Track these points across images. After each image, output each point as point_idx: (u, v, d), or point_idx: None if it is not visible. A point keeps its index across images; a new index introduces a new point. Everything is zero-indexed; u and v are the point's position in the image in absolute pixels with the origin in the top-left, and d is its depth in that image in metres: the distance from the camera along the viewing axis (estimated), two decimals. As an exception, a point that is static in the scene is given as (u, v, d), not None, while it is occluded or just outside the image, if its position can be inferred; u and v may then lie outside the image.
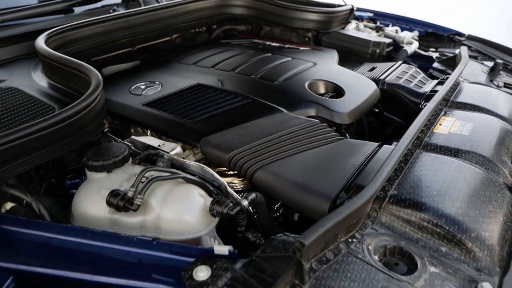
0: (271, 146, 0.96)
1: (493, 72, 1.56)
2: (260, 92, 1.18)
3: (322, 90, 1.25)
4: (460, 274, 0.69)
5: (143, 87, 1.24)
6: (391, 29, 1.93)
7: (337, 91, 1.25)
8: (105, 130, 1.06)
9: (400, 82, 1.39)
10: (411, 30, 1.98)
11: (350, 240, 0.74)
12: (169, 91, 1.20)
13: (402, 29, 2.07)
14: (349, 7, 1.93)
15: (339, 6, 1.94)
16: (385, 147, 0.99)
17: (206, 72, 1.35)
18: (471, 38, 1.93)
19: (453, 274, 0.69)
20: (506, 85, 1.48)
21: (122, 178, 0.83)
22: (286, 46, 1.68)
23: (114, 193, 0.77)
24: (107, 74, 1.47)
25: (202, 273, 0.65)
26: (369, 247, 0.74)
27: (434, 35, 2.02)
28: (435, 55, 1.76)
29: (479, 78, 1.51)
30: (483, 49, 1.84)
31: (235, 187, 1.01)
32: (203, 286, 0.63)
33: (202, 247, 0.70)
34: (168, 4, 1.58)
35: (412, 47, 1.75)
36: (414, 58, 1.79)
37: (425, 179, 0.85)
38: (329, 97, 1.21)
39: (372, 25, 2.00)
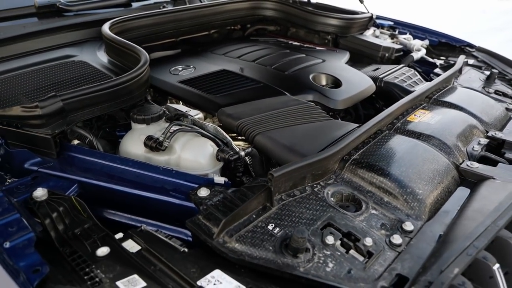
0: (271, 119, 1.24)
1: (488, 80, 1.74)
2: (272, 79, 1.46)
3: (323, 81, 1.51)
4: (392, 217, 0.94)
5: (180, 69, 1.55)
6: (404, 37, 2.14)
7: (336, 83, 1.50)
8: (148, 98, 1.38)
9: (396, 81, 1.62)
10: (422, 39, 2.17)
11: (315, 185, 1.00)
12: (200, 73, 1.51)
13: (417, 38, 2.27)
14: (368, 15, 2.15)
15: (361, 13, 2.17)
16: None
17: (232, 61, 1.64)
18: (480, 49, 2.10)
19: (387, 216, 0.94)
20: (496, 92, 1.66)
21: (156, 129, 1.13)
22: (305, 45, 1.94)
23: (149, 137, 1.07)
24: (154, 58, 1.81)
25: (203, 192, 0.94)
26: (329, 192, 0.99)
27: (447, 45, 2.20)
28: (439, 62, 1.96)
29: (473, 84, 1.70)
30: (489, 60, 2.01)
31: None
32: (203, 199, 0.92)
33: (206, 177, 0.99)
34: (208, 4, 1.89)
35: (419, 54, 1.96)
36: (421, 64, 1.99)
37: (384, 150, 1.09)
38: (328, 87, 1.47)
39: (387, 32, 2.21)
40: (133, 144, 1.10)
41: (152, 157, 1.09)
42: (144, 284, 0.74)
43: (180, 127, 1.11)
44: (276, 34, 2.20)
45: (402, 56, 1.99)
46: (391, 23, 2.39)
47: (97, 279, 0.75)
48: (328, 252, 0.82)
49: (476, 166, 1.09)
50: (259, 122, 1.21)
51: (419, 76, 1.72)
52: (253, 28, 2.26)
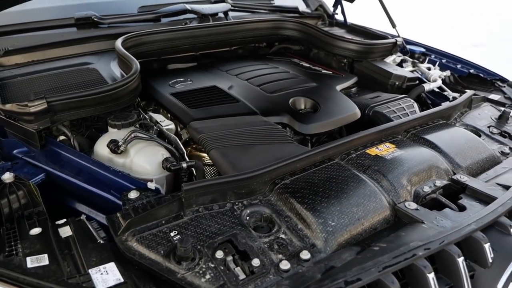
0: (232, 136, 1.32)
1: (500, 120, 1.62)
2: (252, 99, 1.54)
3: (302, 105, 1.55)
4: (298, 244, 0.97)
5: (179, 82, 1.71)
6: (425, 66, 2.05)
7: (315, 108, 1.53)
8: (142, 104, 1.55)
9: (385, 111, 1.59)
10: (452, 69, 2.07)
11: (237, 203, 1.07)
12: (193, 87, 1.65)
13: (448, 67, 2.16)
14: (392, 40, 2.11)
15: (387, 38, 2.13)
16: None
17: (229, 78, 1.76)
18: (511, 85, 1.94)
19: (294, 242, 0.97)
20: (502, 133, 1.54)
21: (125, 134, 1.29)
22: (313, 67, 1.98)
23: (112, 140, 1.23)
24: (171, 68, 2.00)
25: (133, 194, 1.06)
26: (248, 211, 1.05)
27: (478, 77, 2.06)
28: (453, 95, 1.85)
29: (479, 122, 1.60)
30: None
31: (206, 161, 1.41)
32: (129, 201, 1.04)
33: (143, 182, 1.12)
34: (226, 23, 2.03)
35: (432, 85, 1.88)
36: (435, 96, 1.91)
37: (317, 179, 1.11)
38: (304, 111, 1.51)
39: (410, 59, 2.14)
40: (102, 145, 1.27)
41: (113, 158, 1.25)
42: (47, 262, 0.89)
43: (139, 134, 1.25)
44: (294, 54, 2.26)
45: (417, 85, 1.93)
46: (423, 49, 2.30)
47: (14, 252, 0.91)
48: (212, 265, 0.89)
49: (413, 208, 1.06)
50: (219, 138, 1.31)
51: (415, 109, 1.66)
52: (277, 47, 2.35)
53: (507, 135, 1.53)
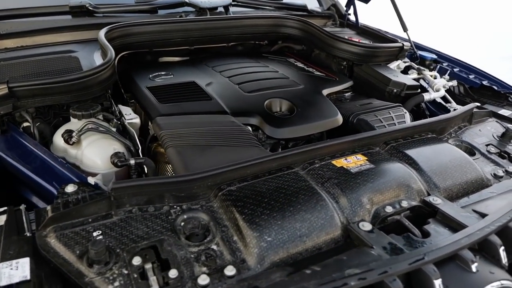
0: (195, 135, 1.25)
1: (503, 138, 1.46)
2: (228, 97, 1.47)
3: (277, 107, 1.45)
4: (228, 258, 0.89)
5: (160, 76, 1.66)
6: (431, 73, 1.90)
7: (292, 111, 1.43)
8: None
9: (370, 119, 1.47)
10: (464, 79, 1.91)
11: (175, 206, 1.00)
12: (172, 82, 1.59)
13: (460, 77, 2.00)
14: (398, 45, 1.97)
15: (395, 42, 1.99)
16: None
17: (212, 74, 1.69)
18: (526, 101, 1.76)
19: (224, 255, 0.89)
20: (501, 154, 1.39)
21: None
22: (307, 68, 1.87)
23: (66, 130, 1.20)
24: (161, 61, 1.96)
25: (70, 188, 1.01)
26: (185, 216, 0.98)
27: (491, 90, 1.89)
28: (456, 108, 1.70)
29: (477, 139, 1.45)
30: None
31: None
32: (64, 194, 0.99)
33: (85, 176, 1.07)
34: (220, 17, 1.96)
35: (433, 95, 1.73)
36: (436, 106, 1.75)
37: (266, 188, 1.02)
38: (278, 114, 1.41)
39: (415, 65, 1.99)
40: (59, 135, 1.24)
41: (68, 149, 1.21)
42: None
43: (94, 126, 1.20)
44: (292, 53, 2.16)
45: (417, 94, 1.78)
46: (434, 56, 2.14)
47: None
48: (126, 272, 0.83)
49: (367, 229, 0.96)
50: (179, 136, 1.24)
51: (406, 120, 1.52)
52: (279, 46, 2.26)
53: (506, 156, 1.38)
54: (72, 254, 0.85)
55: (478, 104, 1.58)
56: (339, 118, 1.44)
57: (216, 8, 2.13)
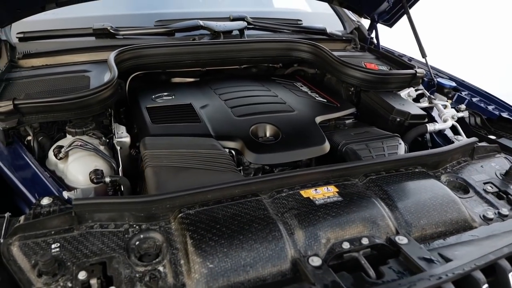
0: (176, 156, 1.30)
1: (506, 177, 1.36)
2: (217, 120, 1.51)
3: (262, 132, 1.46)
4: (170, 279, 0.91)
5: (162, 96, 1.74)
6: (442, 103, 1.81)
7: (277, 137, 1.44)
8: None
9: (359, 149, 1.43)
10: (482, 110, 1.81)
11: (135, 225, 1.04)
12: (171, 103, 1.66)
13: (478, 108, 1.89)
14: (411, 71, 1.91)
15: (411, 69, 1.93)
16: None
17: (211, 97, 1.74)
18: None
19: (167, 279, 0.92)
20: (499, 194, 1.29)
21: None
22: (310, 93, 1.87)
23: (57, 146, 1.30)
24: (174, 81, 2.05)
25: (45, 201, 1.08)
26: (141, 236, 1.02)
27: (511, 122, 1.76)
28: (460, 140, 1.60)
29: (475, 176, 1.37)
30: None
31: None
32: (38, 206, 1.07)
33: (62, 190, 1.15)
34: (230, 41, 2.02)
35: (437, 126, 1.65)
36: (442, 138, 1.67)
37: (223, 214, 1.03)
38: (262, 140, 1.42)
39: (427, 93, 1.90)
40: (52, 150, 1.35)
41: (58, 164, 1.31)
42: None
43: (81, 143, 1.29)
44: (304, 77, 2.16)
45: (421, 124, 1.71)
46: (454, 84, 2.04)
47: None
48: (70, 285, 0.88)
49: (316, 264, 0.94)
50: (160, 157, 1.30)
51: (398, 151, 1.46)
52: (293, 69, 2.27)
53: (505, 196, 1.28)
54: (28, 263, 0.92)
55: (478, 139, 1.48)
56: (326, 146, 1.42)
57: (231, 31, 2.20)
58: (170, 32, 2.14)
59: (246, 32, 2.26)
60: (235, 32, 2.22)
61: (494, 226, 1.16)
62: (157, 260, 0.95)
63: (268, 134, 1.48)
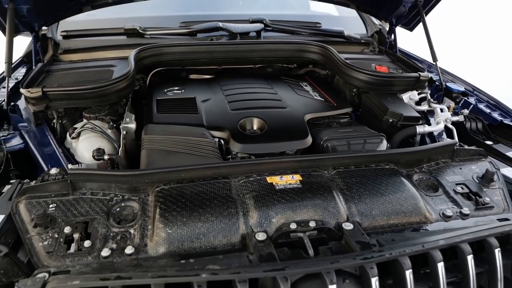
0: (170, 142, 1.48)
1: (482, 180, 1.39)
2: (213, 113, 1.67)
3: (250, 125, 1.60)
4: (137, 240, 1.08)
5: (173, 90, 1.93)
6: (440, 106, 1.82)
7: (263, 130, 1.57)
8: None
9: (339, 145, 1.52)
10: (485, 116, 1.82)
11: (118, 195, 1.23)
12: (179, 96, 1.85)
13: (482, 113, 1.88)
14: (415, 75, 1.95)
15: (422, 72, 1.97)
16: None
17: (216, 92, 1.90)
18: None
19: (135, 237, 1.09)
20: (469, 195, 1.32)
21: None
22: (311, 92, 1.97)
23: (72, 128, 1.53)
24: (191, 78, 2.25)
25: (53, 171, 1.30)
26: (123, 204, 1.20)
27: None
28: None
29: (449, 177, 1.41)
30: None
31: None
32: (46, 174, 1.29)
33: (67, 164, 1.37)
34: (242, 42, 2.17)
35: (427, 128, 1.68)
36: (432, 141, 1.69)
37: (191, 191, 1.19)
38: (249, 132, 1.56)
39: (429, 97, 1.92)
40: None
41: (72, 142, 1.55)
42: None
43: (90, 126, 1.52)
44: (313, 78, 2.26)
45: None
46: (462, 89, 2.04)
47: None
48: (56, 236, 1.08)
49: (260, 239, 1.06)
50: (156, 141, 1.49)
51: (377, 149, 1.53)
52: (305, 70, 2.37)
53: (473, 198, 1.31)
54: (28, 217, 1.14)
55: (458, 142, 1.50)
56: (307, 141, 1.53)
57: (248, 33, 2.35)
58: (192, 33, 2.34)
59: (264, 33, 2.40)
60: (253, 34, 2.37)
61: (451, 223, 1.21)
62: (130, 224, 1.13)
63: (255, 127, 1.61)
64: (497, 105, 1.90)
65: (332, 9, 3.24)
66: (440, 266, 1.01)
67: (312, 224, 1.12)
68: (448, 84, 2.08)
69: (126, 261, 1.01)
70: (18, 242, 1.11)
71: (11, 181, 1.39)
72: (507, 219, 1.19)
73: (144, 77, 2.14)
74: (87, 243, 1.05)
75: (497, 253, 1.07)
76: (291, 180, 1.26)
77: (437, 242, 1.04)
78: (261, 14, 2.54)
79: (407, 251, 1.00)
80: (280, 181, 1.25)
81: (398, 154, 1.39)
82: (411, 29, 2.47)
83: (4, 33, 1.83)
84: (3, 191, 1.33)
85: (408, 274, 0.98)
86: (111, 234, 1.10)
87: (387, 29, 2.56)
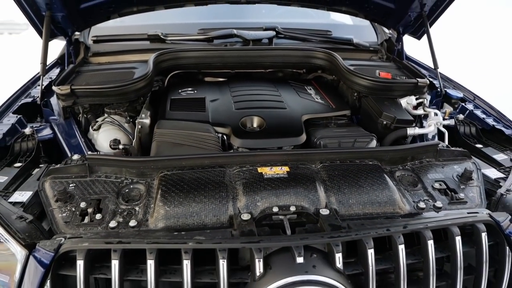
0: (175, 135, 1.66)
1: (461, 178, 1.49)
2: (218, 111, 1.84)
3: (250, 123, 1.76)
4: (140, 216, 1.27)
5: (186, 91, 2.12)
6: (435, 111, 1.91)
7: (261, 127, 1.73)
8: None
9: (330, 143, 1.65)
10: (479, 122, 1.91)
11: (128, 178, 1.41)
12: (191, 96, 2.04)
13: (477, 118, 1.97)
14: (413, 81, 2.05)
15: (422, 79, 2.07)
16: None
17: (225, 93, 2.08)
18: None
19: (139, 214, 1.27)
20: (446, 191, 1.42)
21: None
22: (314, 95, 2.11)
23: (94, 121, 1.74)
24: (206, 80, 2.44)
25: (76, 157, 1.51)
26: (131, 186, 1.39)
27: (503, 134, 1.82)
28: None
29: (430, 175, 1.52)
30: None
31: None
32: (70, 159, 1.50)
33: (89, 150, 1.58)
34: (252, 48, 2.34)
35: (417, 131, 1.78)
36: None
37: (190, 177, 1.36)
38: (248, 129, 1.72)
39: (425, 102, 2.01)
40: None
41: (94, 134, 1.76)
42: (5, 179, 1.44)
43: (110, 120, 1.72)
44: (318, 82, 2.39)
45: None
46: (460, 95, 2.12)
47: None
48: (73, 209, 1.28)
49: (245, 218, 1.21)
50: (165, 134, 1.67)
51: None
52: (314, 74, 2.52)
53: (450, 193, 1.41)
54: (52, 193, 1.34)
55: (441, 143, 1.60)
56: (301, 138, 1.67)
57: (260, 39, 2.52)
58: (209, 39, 2.54)
59: (276, 40, 2.57)
60: (265, 40, 2.53)
61: (423, 215, 1.32)
62: (136, 203, 1.32)
63: (254, 125, 1.77)
64: (492, 112, 1.97)
65: (348, 19, 3.37)
66: (401, 248, 1.13)
67: (292, 208, 1.26)
68: (448, 90, 2.17)
69: (129, 232, 1.19)
70: (42, 214, 1.31)
71: (40, 165, 1.62)
72: (476, 213, 1.29)
73: (163, 78, 2.35)
74: (98, 216, 1.24)
75: (458, 240, 1.18)
76: (280, 170, 1.41)
77: (400, 227, 1.16)
78: (277, 22, 2.70)
79: (371, 233, 1.13)
80: (269, 171, 1.40)
81: (381, 151, 1.51)
82: (418, 38, 2.57)
83: (41, 36, 2.09)
84: (32, 173, 1.55)
85: (370, 253, 1.11)
86: (119, 210, 1.29)
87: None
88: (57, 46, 2.59)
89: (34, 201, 1.36)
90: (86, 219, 1.25)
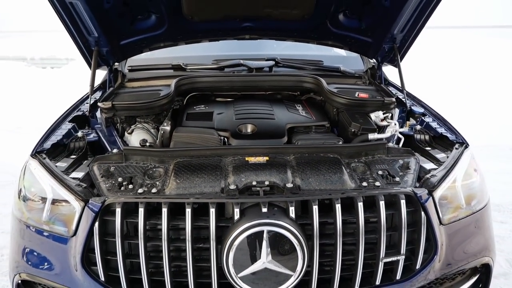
0: (187, 137, 2.21)
1: (401, 168, 1.95)
2: (222, 121, 2.39)
3: (244, 129, 2.28)
4: (159, 186, 1.80)
5: (199, 107, 2.69)
6: (394, 121, 2.38)
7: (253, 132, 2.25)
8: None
9: (305, 144, 2.15)
10: (433, 130, 2.36)
11: (152, 164, 1.95)
12: (202, 111, 2.60)
13: (431, 128, 2.42)
14: (380, 99, 2.55)
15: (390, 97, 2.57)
16: None
17: (229, 109, 2.63)
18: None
19: (157, 184, 1.81)
20: (386, 176, 1.89)
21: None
22: (300, 110, 2.64)
23: (128, 128, 2.32)
24: (218, 100, 3.01)
25: (115, 150, 2.09)
26: (154, 169, 1.92)
27: (447, 139, 2.27)
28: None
29: (379, 165, 1.98)
30: None
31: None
32: (110, 152, 2.07)
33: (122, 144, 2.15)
34: (254, 74, 2.91)
35: (376, 136, 2.26)
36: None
37: (195, 162, 1.88)
38: (243, 134, 2.25)
39: (389, 116, 2.49)
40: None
41: (128, 136, 2.34)
42: (66, 164, 2.01)
43: (140, 126, 2.30)
44: (307, 101, 2.92)
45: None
46: (421, 110, 2.59)
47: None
48: (114, 183, 1.82)
49: (232, 188, 1.72)
50: (181, 137, 2.23)
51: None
52: (306, 96, 3.05)
53: (389, 177, 1.87)
54: (98, 172, 1.90)
55: (387, 142, 2.07)
56: (283, 140, 2.18)
57: (262, 68, 3.09)
58: (221, 68, 3.13)
59: (276, 68, 3.13)
60: (266, 69, 3.10)
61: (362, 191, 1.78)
62: (157, 180, 1.85)
63: (248, 130, 2.30)
64: (444, 123, 2.42)
65: (342, 51, 3.91)
66: (338, 206, 1.60)
67: (266, 183, 1.76)
68: (412, 107, 2.65)
69: (149, 194, 1.72)
70: (92, 185, 1.87)
71: (88, 159, 2.19)
72: (403, 188, 1.75)
73: (182, 99, 2.93)
74: (130, 186, 1.79)
75: (382, 204, 1.64)
76: (261, 159, 1.92)
77: (339, 193, 1.64)
78: (277, 54, 3.28)
79: (316, 196, 1.62)
80: (254, 159, 1.92)
81: (340, 147, 2.00)
82: (395, 66, 3.07)
83: (89, 67, 2.73)
84: (83, 163, 2.12)
85: (315, 208, 1.59)
86: (145, 183, 1.82)
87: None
88: (99, 75, 3.24)
89: (86, 178, 1.91)
90: (122, 188, 1.79)
